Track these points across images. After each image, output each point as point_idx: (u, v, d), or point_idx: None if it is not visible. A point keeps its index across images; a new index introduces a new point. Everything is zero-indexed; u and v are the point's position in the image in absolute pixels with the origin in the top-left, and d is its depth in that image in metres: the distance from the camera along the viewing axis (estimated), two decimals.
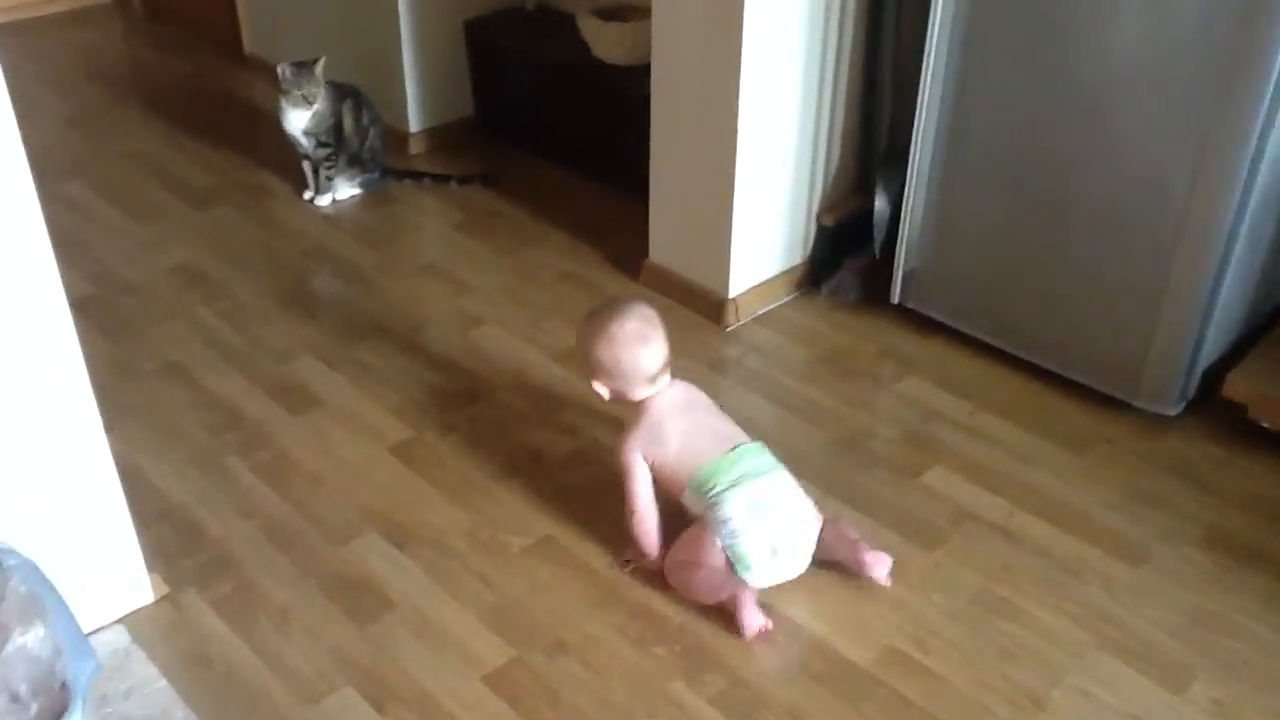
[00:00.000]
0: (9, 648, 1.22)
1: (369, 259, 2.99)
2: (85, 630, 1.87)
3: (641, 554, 2.00)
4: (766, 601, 1.92)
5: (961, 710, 1.78)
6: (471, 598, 1.97)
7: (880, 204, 2.68)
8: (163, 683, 1.82)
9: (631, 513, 1.98)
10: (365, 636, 1.90)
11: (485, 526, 2.12)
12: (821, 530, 1.96)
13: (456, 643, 1.89)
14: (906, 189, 2.52)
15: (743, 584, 1.87)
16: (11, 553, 1.41)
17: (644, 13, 2.61)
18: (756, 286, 2.72)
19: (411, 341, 2.64)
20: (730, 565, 1.88)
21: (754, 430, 2.17)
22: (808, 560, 1.96)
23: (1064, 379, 2.45)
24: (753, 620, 1.87)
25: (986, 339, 2.55)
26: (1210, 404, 2.35)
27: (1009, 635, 1.90)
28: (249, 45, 4.13)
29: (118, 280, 2.88)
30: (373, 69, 3.44)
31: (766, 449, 2.00)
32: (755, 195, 2.59)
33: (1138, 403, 2.35)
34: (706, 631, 1.90)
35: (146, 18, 4.68)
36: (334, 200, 3.23)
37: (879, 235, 2.70)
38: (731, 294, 2.67)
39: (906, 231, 2.57)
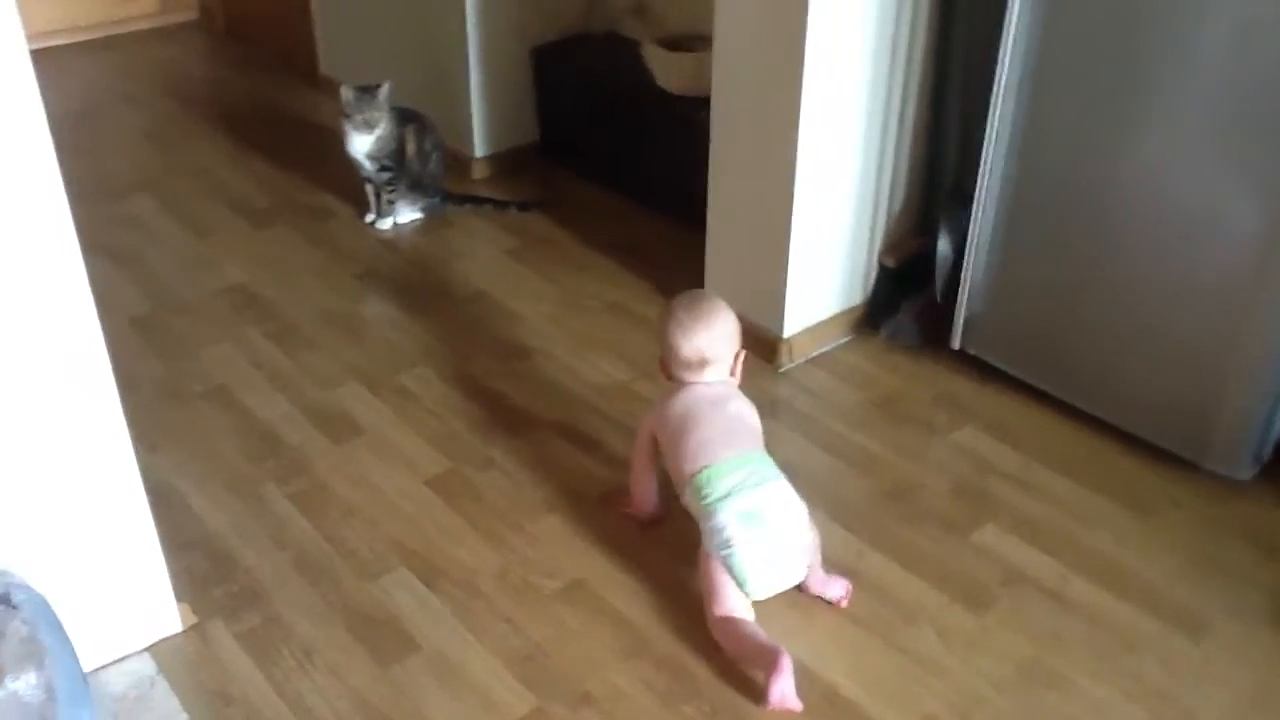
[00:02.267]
0: (0, 693, 1.19)
1: (421, 284, 2.98)
2: (111, 658, 1.88)
3: (636, 506, 2.13)
4: (802, 660, 1.85)
5: None
6: (497, 642, 1.92)
7: (943, 246, 2.59)
8: (184, 717, 1.80)
9: (632, 470, 2.13)
10: (388, 679, 1.86)
11: (517, 567, 2.07)
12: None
13: (479, 689, 1.84)
14: (970, 231, 2.43)
15: (779, 654, 1.75)
16: (24, 589, 1.39)
17: (708, 42, 2.55)
18: (812, 327, 2.65)
19: (456, 370, 2.61)
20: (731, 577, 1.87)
21: (798, 475, 2.11)
22: (804, 569, 1.94)
23: (1128, 435, 2.34)
24: (782, 696, 1.75)
25: (1048, 389, 2.45)
26: None
27: (1057, 709, 1.80)
28: (324, 66, 4.17)
29: (173, 298, 2.90)
30: (440, 94, 3.44)
31: (768, 458, 1.98)
32: (813, 233, 2.52)
33: (1207, 464, 2.23)
34: (738, 691, 1.83)
35: (228, 36, 4.75)
36: (395, 224, 3.23)
37: (941, 278, 2.61)
38: (786, 334, 2.60)
39: (969, 275, 2.48)
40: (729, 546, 1.86)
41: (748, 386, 2.46)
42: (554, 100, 3.50)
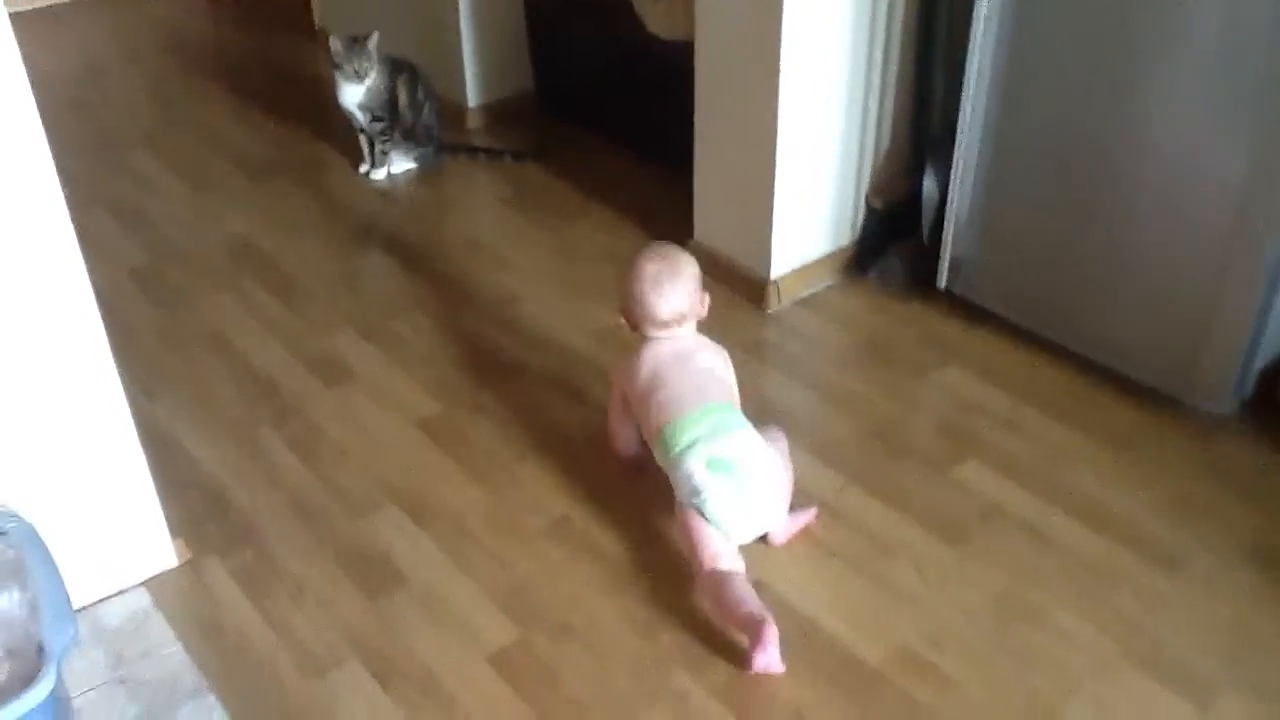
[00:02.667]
0: None
1: (416, 233, 3.01)
2: (108, 592, 1.94)
3: (618, 454, 2.18)
4: (783, 595, 1.89)
5: (972, 716, 1.72)
6: (484, 576, 1.97)
7: (929, 186, 2.60)
8: (177, 647, 1.86)
9: (609, 423, 2.17)
10: (376, 611, 1.91)
11: (504, 506, 2.12)
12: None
13: (464, 621, 1.89)
14: (953, 172, 2.44)
15: (765, 622, 1.73)
16: (14, 517, 1.44)
17: None
18: (800, 269, 2.67)
19: (449, 317, 2.65)
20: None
21: (784, 416, 2.17)
22: (782, 512, 1.96)
23: (1113, 373, 2.35)
24: (767, 663, 1.74)
25: (1034, 329, 2.47)
26: (1268, 408, 2.23)
27: (1029, 640, 1.83)
28: (318, 18, 4.18)
29: (173, 250, 2.94)
30: (433, 43, 3.45)
31: (735, 409, 1.98)
32: (799, 175, 2.54)
33: (1190, 400, 2.25)
34: (715, 623, 1.87)
35: None
36: (389, 174, 3.25)
37: (928, 219, 2.62)
38: (773, 275, 2.62)
39: (954, 215, 2.49)
40: (699, 494, 1.87)
41: (734, 330, 2.51)
42: (548, 48, 3.50)
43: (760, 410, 2.13)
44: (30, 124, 1.57)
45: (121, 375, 1.83)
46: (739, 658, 1.79)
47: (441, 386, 2.42)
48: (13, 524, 1.41)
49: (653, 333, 2.03)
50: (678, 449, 1.91)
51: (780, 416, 2.22)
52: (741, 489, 1.88)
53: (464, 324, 2.62)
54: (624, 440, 2.16)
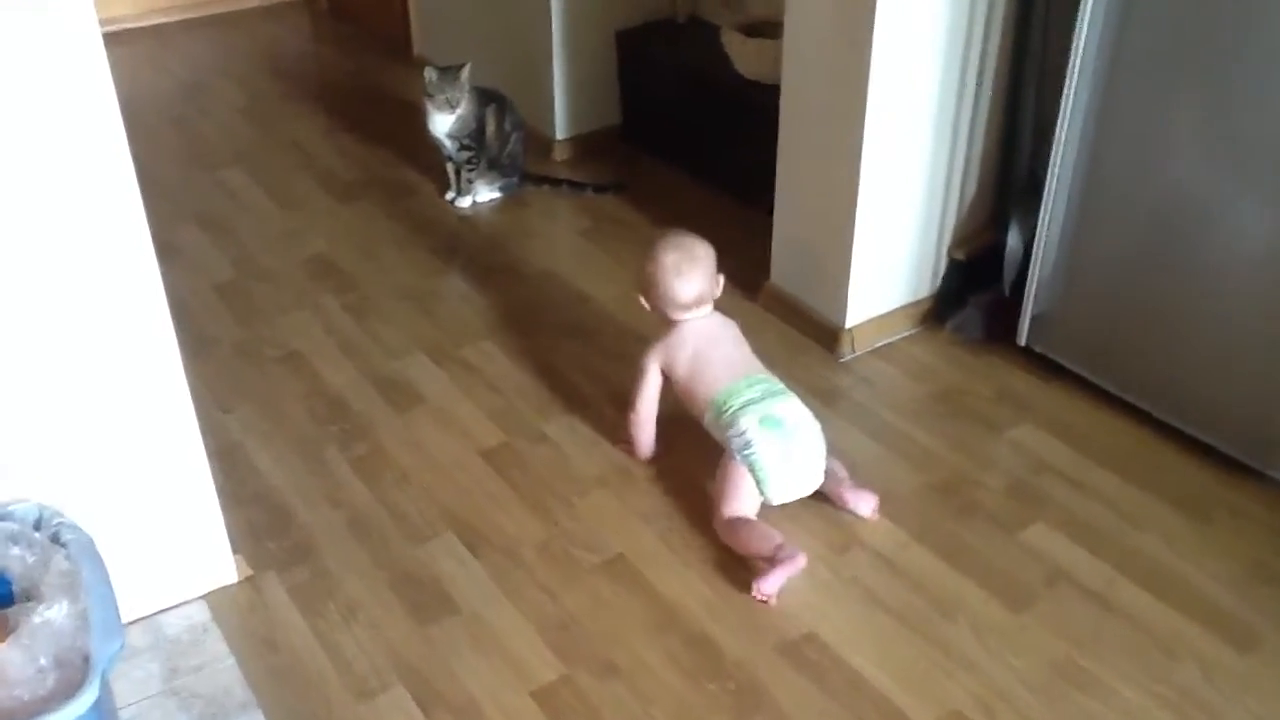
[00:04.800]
0: (36, 619, 1.27)
1: (494, 261, 3.04)
2: (169, 604, 1.98)
3: (637, 450, 2.28)
4: (833, 646, 1.86)
5: None
6: (533, 609, 1.97)
7: (1013, 240, 2.55)
8: (230, 661, 1.89)
9: (633, 412, 2.25)
10: (425, 637, 1.92)
11: (559, 539, 2.12)
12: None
13: (511, 654, 1.89)
14: (1039, 226, 2.39)
15: (790, 555, 1.95)
16: (73, 529, 1.47)
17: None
18: (876, 318, 2.63)
19: (519, 346, 2.66)
20: (753, 481, 2.05)
21: (850, 465, 2.14)
22: (820, 476, 2.11)
23: (1191, 439, 2.28)
24: (769, 586, 1.95)
25: (1111, 389, 2.40)
26: None
27: (1088, 713, 1.77)
28: (418, 46, 4.26)
29: (257, 266, 3.01)
30: (525, 76, 3.50)
31: (777, 380, 2.15)
32: (880, 224, 2.51)
33: (1271, 472, 2.17)
34: (763, 670, 1.85)
35: (331, 16, 4.89)
36: (474, 202, 3.29)
37: (1010, 273, 2.57)
38: (848, 324, 2.59)
39: (1037, 271, 2.43)
40: (750, 447, 2.03)
41: (805, 375, 2.49)
42: (636, 84, 3.52)
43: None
44: (116, 140, 1.61)
45: (199, 388, 1.87)
46: (780, 709, 1.77)
47: (506, 415, 2.44)
48: (71, 535, 1.45)
49: (675, 314, 2.20)
50: (733, 409, 2.07)
51: (846, 466, 2.19)
52: (789, 446, 2.05)
53: (534, 354, 2.64)
54: (647, 433, 2.26)
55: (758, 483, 2.06)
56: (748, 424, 2.04)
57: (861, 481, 2.16)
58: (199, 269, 2.96)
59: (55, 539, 1.43)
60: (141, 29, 4.58)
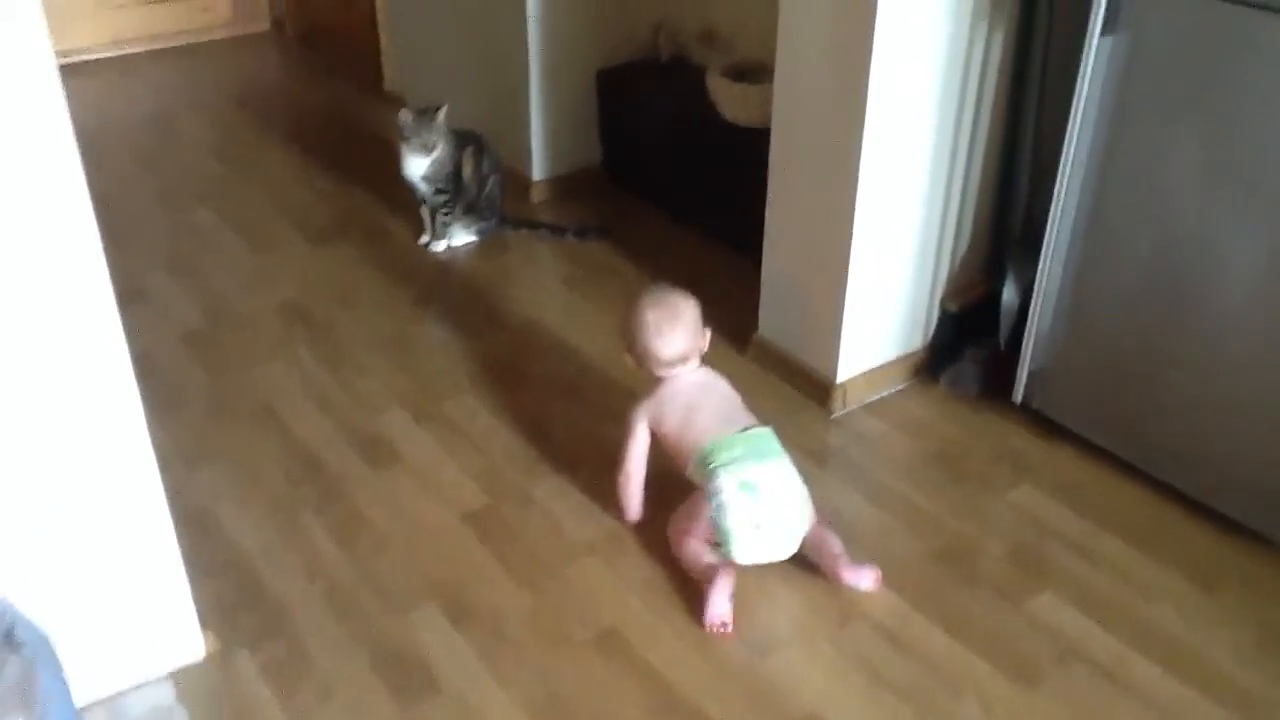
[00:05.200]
0: None
1: (473, 309, 2.94)
2: (131, 684, 1.87)
3: (625, 513, 2.20)
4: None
5: None
6: (521, 690, 1.87)
7: (1009, 293, 2.49)
8: None
9: (621, 473, 2.17)
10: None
11: (548, 611, 2.02)
12: (810, 529, 2.05)
13: None
14: (1038, 280, 2.33)
15: (723, 569, 1.97)
16: (28, 626, 1.36)
17: (773, 74, 2.48)
18: (869, 372, 2.56)
19: (503, 401, 2.57)
20: (715, 539, 2.02)
21: (844, 528, 2.06)
22: (794, 548, 2.04)
23: (1198, 504, 2.22)
24: (717, 611, 1.95)
25: (1114, 450, 2.34)
26: None
27: None
28: (389, 82, 4.17)
29: (228, 313, 2.89)
30: (502, 114, 3.41)
31: (774, 436, 2.08)
32: (873, 275, 2.44)
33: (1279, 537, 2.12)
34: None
35: (299, 44, 4.79)
36: (449, 246, 3.20)
37: (1005, 326, 2.51)
38: (840, 379, 2.52)
39: (1034, 326, 2.37)
40: (723, 509, 1.98)
41: (796, 432, 2.41)
42: (617, 125, 3.45)
43: None
44: (72, 178, 1.48)
45: (166, 446, 1.77)
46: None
47: (490, 476, 2.34)
48: (26, 634, 1.34)
49: (660, 371, 2.14)
50: (716, 464, 2.01)
51: (841, 529, 2.11)
52: (761, 514, 1.99)
53: (519, 410, 2.54)
54: (635, 494, 2.19)
55: (723, 542, 2.01)
56: (725, 484, 1.99)
57: (859, 555, 2.05)
58: (166, 317, 2.83)
59: (9, 639, 1.32)
60: (107, 59, 4.45)
